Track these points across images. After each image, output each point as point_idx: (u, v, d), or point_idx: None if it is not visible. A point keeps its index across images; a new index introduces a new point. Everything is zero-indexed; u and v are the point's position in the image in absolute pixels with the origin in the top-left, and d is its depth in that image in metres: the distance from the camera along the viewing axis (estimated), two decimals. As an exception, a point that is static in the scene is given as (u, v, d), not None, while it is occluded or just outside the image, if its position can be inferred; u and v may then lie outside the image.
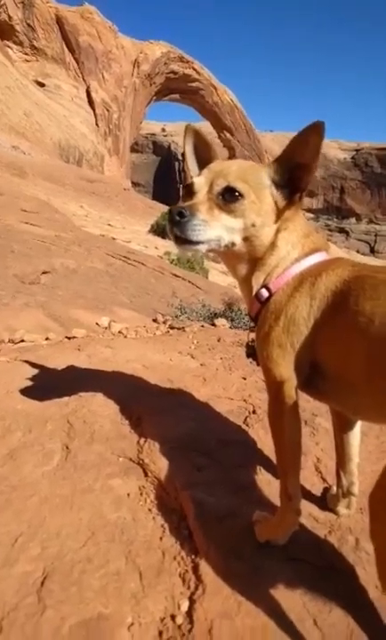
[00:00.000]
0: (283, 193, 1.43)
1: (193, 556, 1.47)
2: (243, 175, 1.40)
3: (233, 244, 1.42)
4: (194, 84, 62.19)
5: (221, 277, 19.51)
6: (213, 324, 6.39)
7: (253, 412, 2.35)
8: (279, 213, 1.44)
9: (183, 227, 1.34)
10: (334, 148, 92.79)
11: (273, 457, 1.96)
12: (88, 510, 1.64)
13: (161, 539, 1.55)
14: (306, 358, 1.36)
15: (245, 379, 2.85)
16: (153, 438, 2.00)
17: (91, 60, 53.54)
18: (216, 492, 1.72)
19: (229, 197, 1.37)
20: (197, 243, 1.36)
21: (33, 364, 2.92)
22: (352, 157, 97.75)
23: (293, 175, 1.40)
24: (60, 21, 52.05)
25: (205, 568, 1.41)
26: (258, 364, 1.68)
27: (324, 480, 1.87)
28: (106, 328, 5.61)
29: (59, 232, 9.82)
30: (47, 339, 4.63)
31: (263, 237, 1.43)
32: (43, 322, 5.09)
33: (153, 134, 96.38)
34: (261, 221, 1.40)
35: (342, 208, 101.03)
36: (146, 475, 1.84)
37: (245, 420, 2.27)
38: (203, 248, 1.39)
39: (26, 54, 51.26)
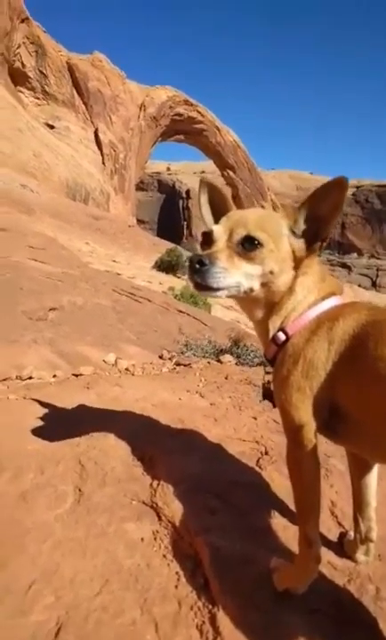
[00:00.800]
0: (301, 242, 1.48)
1: (210, 607, 1.44)
2: (262, 224, 1.45)
3: (252, 290, 1.46)
4: (198, 126, 64.53)
5: (223, 312, 19.63)
6: (219, 361, 6.39)
7: (266, 453, 2.33)
8: (297, 260, 1.48)
9: (204, 274, 1.39)
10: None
11: (287, 500, 1.96)
12: (102, 556, 1.61)
13: (177, 587, 1.52)
14: (325, 402, 1.37)
15: (255, 418, 2.84)
16: (166, 481, 1.98)
17: (99, 104, 55.81)
18: (231, 536, 1.69)
19: (248, 246, 1.42)
20: (217, 289, 1.41)
21: (42, 403, 2.93)
22: (353, 194, 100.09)
23: (311, 226, 1.46)
24: (71, 68, 54.62)
25: (223, 619, 1.38)
26: (274, 406, 1.70)
27: (340, 524, 1.84)
28: (113, 365, 5.63)
29: (66, 269, 9.97)
30: (55, 376, 4.65)
31: (281, 283, 1.48)
32: (50, 359, 5.12)
33: (158, 173, 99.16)
34: (279, 268, 1.45)
35: (344, 243, 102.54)
36: (159, 518, 1.81)
37: (258, 461, 2.25)
38: (222, 294, 1.44)
39: (37, 98, 53.47)
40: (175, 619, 1.41)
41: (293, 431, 1.41)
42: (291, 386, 1.42)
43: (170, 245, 38.71)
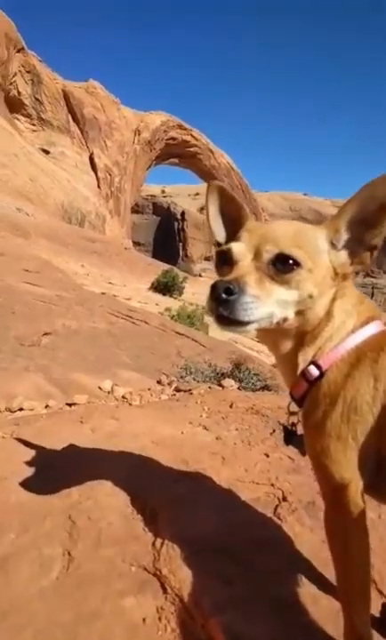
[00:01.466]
0: (343, 255, 1.22)
1: None
2: (297, 240, 1.17)
3: (285, 320, 1.17)
4: (192, 149, 65.36)
5: (219, 333, 19.35)
6: (221, 385, 6.10)
7: (284, 499, 2.03)
8: (339, 279, 1.21)
9: (232, 306, 1.08)
10: (328, 206, 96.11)
11: (314, 560, 1.66)
12: (95, 647, 1.30)
13: None
14: (371, 453, 1.10)
15: (267, 455, 2.55)
16: (171, 540, 1.68)
17: (94, 130, 56.56)
18: (252, 616, 1.39)
19: (281, 267, 1.13)
20: (248, 323, 1.11)
21: (30, 442, 2.62)
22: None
23: (355, 233, 1.20)
24: (66, 96, 55.52)
25: None
26: (303, 454, 1.40)
27: (380, 593, 1.54)
28: (108, 392, 5.32)
29: (60, 292, 9.73)
30: (47, 406, 4.34)
31: (319, 308, 1.19)
32: (42, 387, 4.82)
33: (153, 196, 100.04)
34: (318, 291, 1.17)
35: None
36: (164, 590, 1.51)
37: (276, 510, 1.95)
38: (252, 328, 1.14)
39: (33, 125, 54.16)
40: None
41: (332, 491, 1.13)
42: (328, 434, 1.14)
43: (166, 267, 38.72)
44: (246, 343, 19.31)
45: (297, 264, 1.14)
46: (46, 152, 53.97)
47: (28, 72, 52.32)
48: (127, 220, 60.93)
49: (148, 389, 5.40)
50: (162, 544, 1.68)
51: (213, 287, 1.10)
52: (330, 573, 1.58)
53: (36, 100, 53.81)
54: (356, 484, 1.10)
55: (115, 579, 1.55)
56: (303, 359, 1.25)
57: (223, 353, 8.80)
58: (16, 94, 51.83)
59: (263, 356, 11.51)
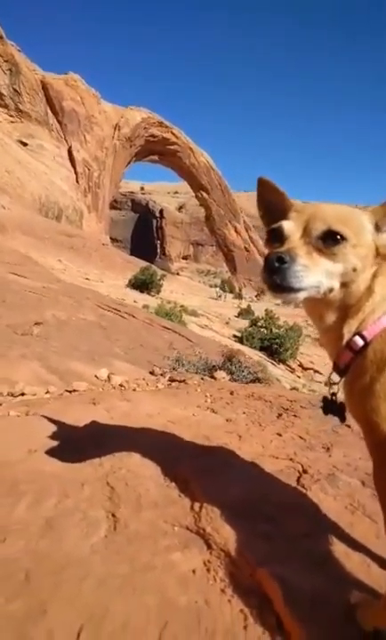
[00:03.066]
0: (384, 238, 1.34)
1: (291, 652, 1.24)
2: (342, 217, 1.31)
3: (331, 290, 1.30)
4: (172, 147, 65.24)
5: (199, 331, 19.46)
6: (213, 377, 6.22)
7: (305, 471, 2.15)
8: (381, 258, 1.34)
9: (285, 273, 1.21)
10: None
11: (341, 524, 1.78)
12: (153, 593, 1.39)
13: (245, 628, 1.31)
14: None
15: (280, 435, 2.67)
16: (209, 503, 1.78)
17: (74, 123, 55.87)
18: (295, 567, 1.50)
19: (329, 241, 1.26)
20: (298, 290, 1.23)
21: (49, 419, 2.68)
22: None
23: None
24: (45, 87, 54.64)
25: (310, 667, 1.18)
26: (342, 421, 1.52)
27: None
28: (105, 381, 5.37)
29: (46, 283, 9.68)
30: (48, 392, 4.37)
31: (361, 282, 1.33)
32: (41, 374, 4.84)
33: (132, 192, 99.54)
34: (362, 265, 1.30)
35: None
36: (209, 547, 1.61)
37: (299, 480, 2.07)
38: (302, 296, 1.26)
39: (11, 116, 53.12)
40: (252, 668, 1.20)
41: (382, 446, 1.25)
42: (377, 395, 1.26)
43: (144, 264, 38.61)
44: (226, 342, 19.44)
45: (343, 239, 1.26)
46: (24, 144, 53.05)
47: (6, 61, 51.27)
48: (105, 215, 60.46)
49: (143, 379, 5.46)
50: (201, 507, 1.77)
51: (267, 258, 1.23)
52: (356, 534, 1.73)
53: (15, 90, 52.80)
54: None
55: (160, 537, 1.64)
56: (348, 330, 1.37)
57: (210, 347, 8.93)
58: (-7, 84, 50.84)
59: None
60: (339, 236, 1.27)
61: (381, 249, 1.34)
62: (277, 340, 21.87)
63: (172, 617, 1.33)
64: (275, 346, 21.71)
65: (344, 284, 1.31)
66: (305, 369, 21.69)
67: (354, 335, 1.36)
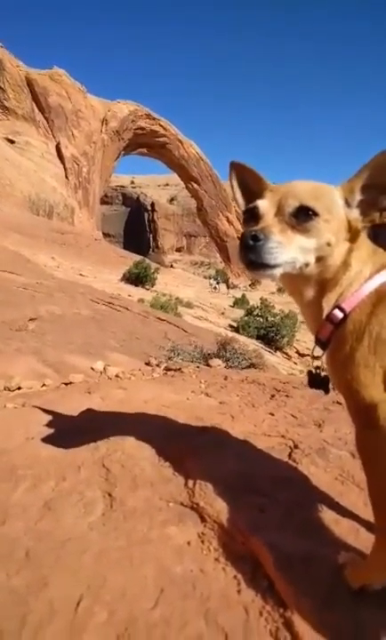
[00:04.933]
0: (356, 212, 1.38)
1: (282, 611, 1.29)
2: (315, 194, 1.34)
3: (307, 265, 1.34)
4: (161, 139, 64.81)
5: (194, 322, 19.50)
6: (209, 365, 6.27)
7: (296, 446, 2.21)
8: (352, 232, 1.38)
9: (259, 250, 1.25)
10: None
11: (331, 493, 1.84)
12: (150, 564, 1.45)
13: (239, 592, 1.37)
14: None
15: (272, 414, 2.73)
16: (203, 479, 1.83)
17: (60, 119, 55.33)
18: (286, 534, 1.56)
19: (302, 217, 1.30)
20: (274, 266, 1.28)
21: (45, 410, 2.72)
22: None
23: (368, 196, 1.36)
24: (30, 83, 54.02)
25: (301, 624, 1.24)
26: (326, 393, 1.57)
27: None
28: (101, 372, 5.41)
29: (40, 280, 9.69)
30: (44, 385, 4.41)
31: (336, 256, 1.37)
32: (37, 368, 4.88)
33: (123, 186, 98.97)
34: (335, 240, 1.34)
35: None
36: (203, 520, 1.66)
37: (290, 455, 2.13)
38: (278, 272, 1.30)
39: (-5, 113, 52.71)
40: (246, 627, 1.26)
41: (364, 412, 1.30)
42: (357, 364, 1.31)
43: (137, 258, 38.49)
44: (222, 332, 19.46)
45: (315, 214, 1.30)
46: (11, 141, 52.62)
47: (-11, 59, 50.79)
48: (96, 211, 60.16)
49: (139, 370, 5.51)
50: (194, 483, 1.83)
51: (242, 237, 1.27)
52: (346, 502, 1.78)
53: (-1, 87, 52.32)
54: (384, 403, 1.27)
55: (156, 512, 1.69)
56: (327, 304, 1.42)
57: (205, 337, 8.98)
58: (-23, 82, 50.33)
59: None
60: (311, 212, 1.30)
61: (353, 223, 1.38)
62: (273, 329, 21.93)
63: (169, 585, 1.38)
64: (271, 334, 21.77)
65: (320, 259, 1.35)
66: (302, 355, 21.76)
67: (333, 308, 1.40)
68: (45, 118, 55.24)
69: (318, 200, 1.33)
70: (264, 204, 1.37)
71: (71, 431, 2.35)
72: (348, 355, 1.33)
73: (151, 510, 1.70)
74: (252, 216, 1.39)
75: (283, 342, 21.97)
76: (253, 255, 1.26)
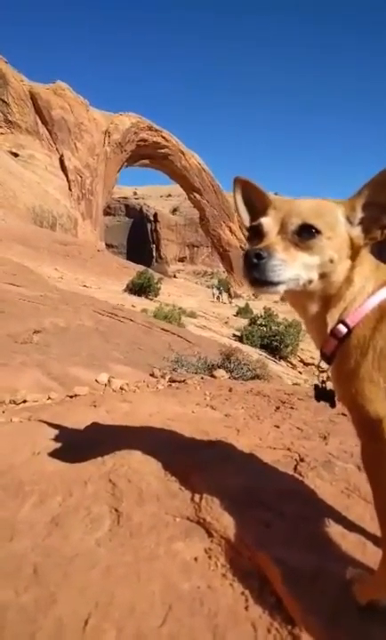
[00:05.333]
0: (358, 229, 1.40)
1: (290, 627, 1.29)
2: (316, 211, 1.36)
3: (310, 282, 1.36)
4: (163, 151, 65.37)
5: (198, 332, 19.51)
6: (213, 376, 6.27)
7: (301, 460, 2.21)
8: (354, 249, 1.40)
9: (263, 268, 1.27)
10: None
11: (337, 507, 1.84)
12: (158, 580, 1.45)
13: (247, 608, 1.37)
14: None
15: (278, 427, 2.73)
16: (209, 494, 1.84)
17: (64, 132, 55.95)
18: (293, 549, 1.56)
19: (305, 235, 1.32)
20: (278, 284, 1.30)
21: (51, 423, 2.74)
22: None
23: (370, 213, 1.38)
24: (33, 97, 54.74)
25: (308, 640, 1.24)
26: (332, 407, 1.59)
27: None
28: (106, 385, 5.43)
29: (44, 292, 9.75)
30: (49, 398, 4.43)
31: (339, 272, 1.39)
32: (42, 381, 4.90)
33: (125, 198, 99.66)
34: (338, 257, 1.36)
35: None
36: (210, 535, 1.67)
37: (296, 468, 2.13)
38: (282, 289, 1.32)
39: (0, 127, 53.35)
40: (254, 644, 1.26)
41: (369, 426, 1.31)
42: (362, 378, 1.32)
43: (140, 268, 38.60)
44: (225, 341, 19.48)
45: (318, 232, 1.33)
46: (15, 155, 53.19)
47: (-8, 73, 51.54)
48: (100, 222, 60.54)
49: (144, 381, 5.52)
50: (201, 498, 1.83)
51: (246, 254, 1.30)
52: (352, 516, 1.78)
53: (3, 101, 52.99)
54: None
55: (162, 528, 1.69)
56: (331, 319, 1.43)
57: (209, 347, 8.98)
58: (-19, 96, 51.05)
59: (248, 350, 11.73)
60: (314, 230, 1.33)
61: (355, 240, 1.40)
62: (276, 338, 21.91)
63: (176, 601, 1.39)
64: (275, 343, 21.75)
65: (323, 276, 1.37)
66: (306, 364, 21.71)
67: (337, 323, 1.42)
68: (49, 131, 55.87)
69: (321, 218, 1.35)
70: (268, 222, 1.40)
71: (77, 445, 2.36)
72: (352, 369, 1.35)
73: (158, 525, 1.70)
74: (256, 233, 1.42)
75: (287, 351, 21.94)
76: (257, 273, 1.28)
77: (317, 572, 1.45)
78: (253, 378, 6.43)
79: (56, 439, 2.46)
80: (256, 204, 1.57)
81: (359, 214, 1.40)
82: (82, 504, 1.84)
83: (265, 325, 23.80)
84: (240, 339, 21.91)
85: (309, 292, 1.41)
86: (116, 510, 1.79)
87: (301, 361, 22.54)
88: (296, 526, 1.70)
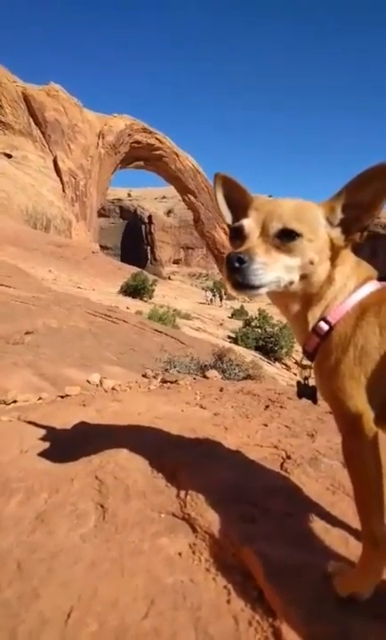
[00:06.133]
0: (338, 231, 1.42)
1: (271, 620, 1.30)
2: (297, 214, 1.37)
3: (291, 283, 1.37)
4: (157, 152, 65.47)
5: (192, 334, 19.52)
6: (205, 376, 6.28)
7: (288, 457, 2.23)
8: (335, 250, 1.42)
9: (244, 272, 1.29)
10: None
11: (322, 502, 1.86)
12: (142, 575, 1.46)
13: (229, 602, 1.38)
14: (381, 389, 1.30)
15: (266, 425, 2.75)
16: (195, 490, 1.85)
17: (57, 133, 55.93)
18: (276, 544, 1.57)
19: (286, 238, 1.33)
20: (259, 287, 1.31)
21: (40, 423, 2.74)
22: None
23: (350, 214, 1.39)
24: (27, 99, 54.70)
25: (289, 633, 1.25)
26: (314, 403, 1.61)
27: None
28: (98, 385, 5.43)
29: (36, 293, 9.73)
30: (40, 398, 4.42)
31: (321, 273, 1.40)
32: (33, 381, 4.89)
33: (119, 199, 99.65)
34: (318, 258, 1.37)
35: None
36: (194, 530, 1.67)
37: (282, 465, 2.15)
38: (263, 291, 1.34)
39: (-7, 129, 53.26)
40: (235, 636, 1.27)
41: (349, 422, 1.33)
42: (342, 375, 1.34)
43: (135, 270, 38.57)
44: (219, 343, 19.49)
45: (298, 235, 1.34)
46: (8, 156, 53.09)
47: (-14, 75, 51.45)
48: (94, 223, 60.49)
49: (136, 382, 5.52)
50: (186, 494, 1.84)
51: (228, 258, 1.31)
52: (336, 511, 1.80)
53: (-4, 103, 52.95)
54: (368, 413, 1.30)
55: (147, 524, 1.70)
56: (313, 317, 1.45)
57: (202, 348, 8.99)
58: (-25, 98, 50.94)
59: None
60: (294, 233, 1.34)
61: (335, 241, 1.41)
62: (271, 339, 21.98)
63: (159, 595, 1.39)
64: (270, 345, 21.82)
65: (304, 277, 1.39)
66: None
67: (319, 321, 1.44)
68: (42, 133, 55.83)
69: (302, 221, 1.36)
70: (249, 224, 1.40)
71: (65, 444, 2.37)
72: (334, 366, 1.37)
73: (143, 521, 1.71)
74: (237, 235, 1.43)
75: (281, 353, 22.00)
76: (239, 276, 1.30)
77: (300, 565, 1.47)
78: (245, 378, 6.45)
79: (44, 438, 2.46)
80: (237, 200, 1.58)
81: (339, 215, 1.41)
82: (68, 500, 1.84)
83: (260, 327, 23.87)
84: (235, 340, 21.95)
85: (291, 293, 1.42)
86: (102, 506, 1.80)
87: (296, 362, 22.55)
88: (281, 522, 1.71)
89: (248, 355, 16.55)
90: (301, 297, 1.45)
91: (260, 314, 25.87)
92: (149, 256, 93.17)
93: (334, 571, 1.41)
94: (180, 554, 1.57)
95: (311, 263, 1.37)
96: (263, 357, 20.22)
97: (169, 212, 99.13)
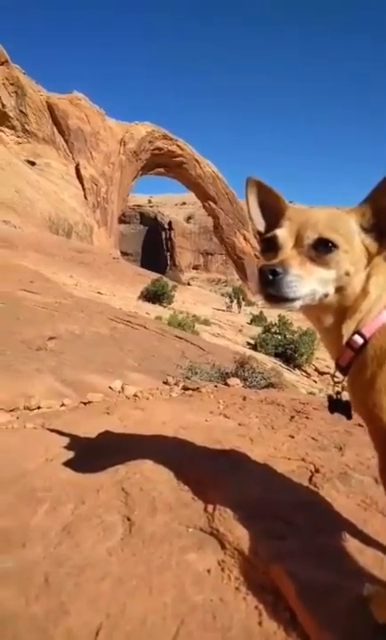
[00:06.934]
0: (371, 238, 1.37)
1: (304, 644, 1.26)
2: (332, 224, 1.32)
3: (326, 296, 1.33)
4: (178, 159, 65.83)
5: (212, 340, 19.44)
6: (226, 384, 6.23)
7: (317, 471, 2.17)
8: (370, 259, 1.37)
9: (278, 285, 1.24)
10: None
11: (354, 520, 1.80)
12: (170, 592, 1.43)
13: (260, 624, 1.34)
14: None
15: (292, 437, 2.69)
16: (222, 505, 1.81)
17: (80, 141, 56.77)
18: (308, 563, 1.52)
19: (322, 249, 1.29)
20: (293, 300, 1.27)
21: (64, 431, 2.74)
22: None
23: (380, 219, 1.35)
24: (50, 107, 55.72)
25: (324, 659, 1.20)
26: (349, 418, 1.55)
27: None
28: (119, 392, 5.43)
29: (59, 299, 9.82)
30: (63, 404, 4.43)
31: (356, 285, 1.35)
32: (56, 387, 4.91)
33: (140, 206, 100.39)
34: (354, 269, 1.33)
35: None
36: (223, 546, 1.64)
37: (311, 479, 2.09)
38: (298, 304, 1.29)
39: (18, 137, 54.22)
40: (268, 661, 1.23)
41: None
42: (379, 389, 1.30)
43: (155, 276, 38.70)
44: (239, 349, 19.37)
45: (335, 246, 1.30)
46: (32, 163, 54.01)
47: (11, 84, 52.45)
48: (115, 230, 61.05)
49: (157, 389, 5.50)
50: (214, 508, 1.80)
51: (261, 271, 1.27)
52: (369, 530, 1.74)
53: (21, 112, 53.94)
54: None
55: (175, 538, 1.67)
56: (347, 330, 1.40)
57: (223, 355, 8.94)
58: (0, 107, 51.98)
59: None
60: (330, 244, 1.29)
61: (369, 248, 1.37)
62: (291, 346, 21.75)
63: (189, 615, 1.36)
64: (289, 351, 21.58)
65: (339, 289, 1.34)
66: (321, 373, 21.49)
67: (353, 334, 1.39)
68: (65, 141, 56.73)
69: (337, 231, 1.31)
70: (283, 235, 1.36)
71: (90, 453, 2.35)
72: (369, 380, 1.32)
73: (170, 536, 1.68)
74: (270, 246, 1.38)
75: (302, 360, 21.75)
76: (272, 289, 1.26)
77: (333, 587, 1.42)
78: (267, 386, 6.38)
79: (69, 446, 2.45)
80: (270, 206, 1.53)
81: (371, 220, 1.37)
82: (94, 512, 1.82)
83: (279, 333, 23.66)
84: (254, 347, 21.80)
85: (325, 305, 1.37)
86: (129, 519, 1.77)
87: (316, 370, 22.33)
88: (311, 539, 1.66)
89: (268, 361, 16.42)
90: (335, 309, 1.40)
91: (279, 320, 25.66)
92: (169, 262, 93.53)
93: (370, 594, 1.35)
94: (208, 570, 1.54)
95: (347, 275, 1.33)
96: (283, 364, 20.03)
97: (189, 219, 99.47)
